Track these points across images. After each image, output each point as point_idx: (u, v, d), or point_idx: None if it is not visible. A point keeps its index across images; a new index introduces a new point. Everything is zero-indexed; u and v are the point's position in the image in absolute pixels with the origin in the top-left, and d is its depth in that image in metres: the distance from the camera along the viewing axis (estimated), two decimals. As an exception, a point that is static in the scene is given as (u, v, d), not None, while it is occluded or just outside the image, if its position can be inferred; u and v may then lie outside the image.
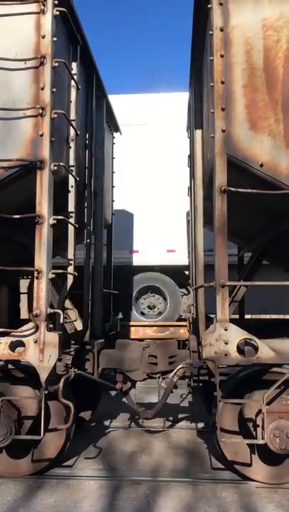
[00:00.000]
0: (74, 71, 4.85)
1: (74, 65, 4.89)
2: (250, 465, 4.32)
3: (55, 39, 4.17)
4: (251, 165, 4.01)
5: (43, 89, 4.11)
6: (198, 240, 5.35)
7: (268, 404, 4.01)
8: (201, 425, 6.13)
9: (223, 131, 4.02)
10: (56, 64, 4.18)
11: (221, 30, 4.09)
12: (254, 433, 4.07)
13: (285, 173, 3.99)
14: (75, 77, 4.81)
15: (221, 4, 4.10)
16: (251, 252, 6.42)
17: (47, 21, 4.15)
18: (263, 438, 3.97)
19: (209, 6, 4.16)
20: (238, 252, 7.64)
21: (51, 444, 4.48)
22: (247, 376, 4.37)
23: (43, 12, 4.16)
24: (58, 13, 4.22)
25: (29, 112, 4.11)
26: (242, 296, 5.36)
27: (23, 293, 7.29)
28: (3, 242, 5.12)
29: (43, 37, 4.14)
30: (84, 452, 5.14)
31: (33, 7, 4.19)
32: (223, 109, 4.04)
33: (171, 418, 6.44)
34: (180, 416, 6.59)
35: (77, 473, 4.59)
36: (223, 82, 4.06)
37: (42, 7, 4.15)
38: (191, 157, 5.91)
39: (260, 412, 4.00)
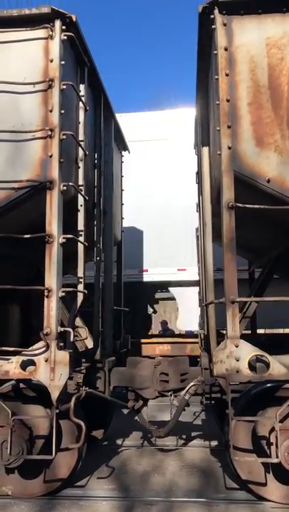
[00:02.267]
0: (82, 93, 4.95)
1: (82, 86, 4.98)
2: (265, 484, 4.25)
3: (63, 62, 4.28)
4: (258, 181, 4.04)
5: (51, 111, 4.20)
6: (208, 256, 5.36)
7: (282, 421, 3.95)
8: (214, 443, 6.05)
9: (230, 148, 4.06)
10: (64, 86, 4.28)
11: (226, 49, 4.17)
12: (268, 451, 4.01)
13: (293, 188, 4.00)
14: (82, 98, 4.91)
15: (224, 24, 4.19)
16: (261, 267, 6.40)
17: (55, 46, 4.27)
18: (277, 456, 3.91)
19: (213, 26, 4.25)
20: (249, 268, 7.62)
21: (63, 464, 4.46)
22: (259, 393, 4.32)
23: (51, 37, 4.28)
24: (65, 37, 4.33)
25: (38, 133, 4.19)
26: (253, 311, 5.33)
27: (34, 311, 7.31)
28: (14, 261, 5.17)
29: (51, 61, 4.25)
30: (96, 472, 5.10)
31: (41, 33, 4.31)
32: (229, 127, 4.09)
33: (184, 436, 6.37)
34: (193, 434, 6.51)
35: (89, 494, 4.55)
36: (228, 100, 4.12)
37: (50, 32, 4.28)
38: (199, 174, 5.95)
39: (273, 429, 3.94)
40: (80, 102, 4.90)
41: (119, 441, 6.24)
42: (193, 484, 4.79)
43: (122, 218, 7.40)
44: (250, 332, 7.05)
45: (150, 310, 13.02)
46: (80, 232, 4.76)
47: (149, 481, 4.90)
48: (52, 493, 4.44)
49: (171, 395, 5.29)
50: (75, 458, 4.48)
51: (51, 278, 4.07)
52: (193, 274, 9.15)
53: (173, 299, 11.70)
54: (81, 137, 4.87)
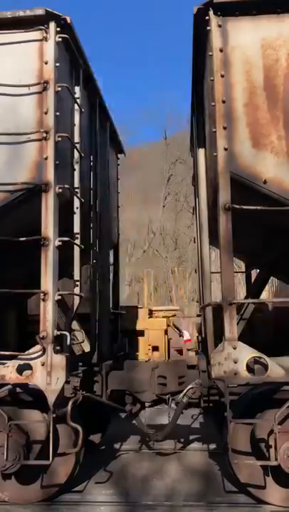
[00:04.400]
0: (77, 95, 4.93)
1: (77, 89, 4.96)
2: (264, 487, 4.21)
3: (57, 64, 4.26)
4: (255, 182, 4.03)
5: (46, 113, 4.18)
6: (205, 258, 5.33)
7: (280, 423, 3.92)
8: (213, 446, 6.01)
9: (226, 149, 4.05)
10: (59, 89, 4.26)
11: (221, 50, 4.16)
12: (267, 454, 3.98)
13: (290, 189, 3.99)
14: (78, 100, 4.89)
15: (219, 26, 4.18)
16: (259, 269, 6.38)
17: (49, 48, 4.26)
18: (276, 459, 3.88)
19: (208, 27, 4.24)
20: (246, 270, 7.60)
21: (61, 469, 4.41)
22: (258, 395, 4.29)
23: (45, 39, 4.27)
24: (60, 39, 4.32)
25: (33, 136, 4.17)
26: (250, 313, 5.31)
27: (31, 315, 7.26)
28: (10, 265, 5.13)
29: (46, 63, 4.24)
30: (94, 476, 5.05)
31: (36, 35, 4.30)
32: (225, 128, 4.08)
33: (182, 440, 6.33)
34: (191, 437, 6.47)
35: (87, 499, 4.50)
36: (224, 102, 4.11)
37: (45, 34, 4.26)
38: (195, 176, 5.94)
39: (272, 432, 3.91)
40: (76, 104, 4.88)
41: (117, 446, 6.20)
42: (192, 488, 4.75)
43: (118, 221, 7.37)
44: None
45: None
46: (76, 235, 4.73)
47: (148, 485, 4.86)
48: (49, 498, 4.39)
49: (168, 399, 5.26)
50: (73, 463, 4.44)
51: (47, 281, 4.04)
52: None
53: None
54: (76, 139, 4.85)
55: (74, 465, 4.45)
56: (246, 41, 4.20)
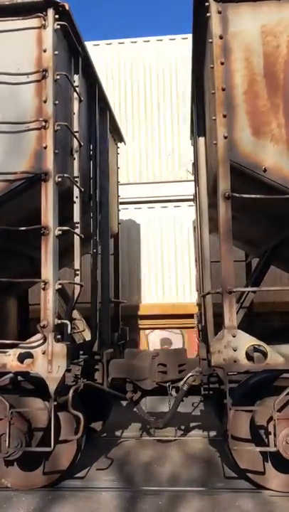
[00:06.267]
0: (76, 83, 4.90)
1: (76, 77, 4.93)
2: (263, 473, 4.27)
3: (56, 52, 4.23)
4: (254, 170, 4.02)
5: (45, 102, 4.16)
6: (205, 246, 5.34)
7: (280, 410, 3.96)
8: (213, 433, 6.08)
9: (226, 137, 4.03)
10: (58, 77, 4.24)
11: (221, 37, 4.12)
12: (266, 440, 4.03)
13: (289, 177, 3.98)
14: (77, 89, 4.86)
15: (219, 12, 4.14)
16: (258, 257, 6.38)
17: (48, 35, 4.22)
18: (275, 445, 3.93)
19: (208, 14, 4.20)
20: (246, 258, 7.61)
21: (62, 456, 4.46)
22: (257, 383, 4.32)
23: (44, 27, 4.23)
24: (58, 27, 4.28)
25: (32, 124, 4.15)
26: (250, 302, 5.33)
27: (31, 304, 7.28)
28: (10, 255, 5.15)
29: (45, 51, 4.20)
30: (96, 463, 5.11)
31: (34, 22, 4.26)
32: (224, 116, 4.06)
33: (182, 427, 6.39)
34: (192, 425, 6.53)
35: (89, 485, 4.56)
36: (224, 89, 4.09)
37: (43, 22, 4.23)
38: (195, 164, 5.92)
39: (271, 419, 3.96)
40: (75, 93, 4.85)
41: (118, 433, 6.26)
42: (193, 474, 4.81)
43: (119, 210, 7.37)
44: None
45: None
46: (76, 224, 4.74)
47: (149, 471, 4.92)
48: (51, 484, 4.45)
49: (169, 386, 5.30)
50: (74, 449, 4.49)
51: (47, 270, 4.06)
52: None
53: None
54: (76, 128, 4.82)
55: (75, 452, 4.50)
56: (246, 28, 4.15)
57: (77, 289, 4.68)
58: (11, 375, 4.39)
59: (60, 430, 4.41)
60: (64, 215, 4.35)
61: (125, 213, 8.65)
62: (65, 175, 4.29)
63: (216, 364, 3.91)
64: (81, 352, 5.11)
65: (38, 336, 3.97)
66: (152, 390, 5.23)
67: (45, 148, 4.12)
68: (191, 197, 7.83)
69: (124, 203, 8.31)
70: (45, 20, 4.22)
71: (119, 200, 7.49)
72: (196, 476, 4.77)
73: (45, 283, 4.04)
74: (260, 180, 4.04)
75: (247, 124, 4.07)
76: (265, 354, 3.87)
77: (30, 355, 3.97)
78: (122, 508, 4.04)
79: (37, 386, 4.27)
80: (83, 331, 5.81)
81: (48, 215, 4.09)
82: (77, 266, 4.74)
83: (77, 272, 4.73)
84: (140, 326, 8.94)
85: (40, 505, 4.11)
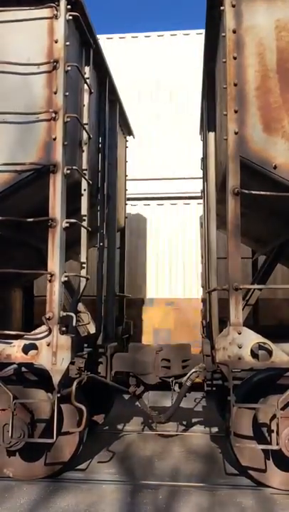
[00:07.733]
0: (87, 75, 4.87)
1: (87, 68, 4.90)
2: (265, 471, 4.26)
3: (67, 43, 4.20)
4: (265, 167, 3.98)
5: (55, 93, 4.14)
6: (212, 242, 5.32)
7: (283, 409, 3.95)
8: (214, 430, 6.08)
9: (236, 133, 4.00)
10: (69, 68, 4.21)
11: (234, 32, 4.08)
12: (268, 438, 4.02)
13: (300, 175, 3.95)
14: (87, 80, 4.83)
15: (233, 6, 4.09)
16: (265, 255, 6.35)
17: (60, 26, 4.19)
18: (277, 443, 3.92)
19: (222, 7, 4.15)
20: (253, 256, 7.58)
21: (64, 448, 4.48)
22: (261, 380, 4.32)
23: (56, 17, 4.20)
24: (70, 17, 4.25)
25: (42, 116, 4.13)
26: (256, 299, 5.31)
27: (37, 296, 7.30)
28: (17, 246, 5.15)
29: (56, 41, 4.17)
30: (97, 456, 5.13)
31: (46, 12, 4.22)
32: (236, 111, 4.02)
33: (184, 422, 6.40)
34: (194, 420, 6.54)
35: (90, 477, 4.58)
36: (236, 84, 4.05)
37: (55, 12, 4.19)
38: (204, 160, 5.89)
39: (274, 417, 3.94)
40: (85, 85, 4.83)
41: (120, 427, 6.28)
42: (194, 469, 4.81)
43: (126, 204, 7.35)
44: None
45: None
46: (84, 217, 4.73)
47: (150, 465, 4.94)
48: (53, 475, 4.47)
49: (172, 381, 5.30)
50: (76, 441, 4.50)
51: (54, 262, 4.05)
52: None
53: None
54: (85, 120, 4.80)
55: (77, 444, 4.52)
56: (260, 23, 4.10)
57: (83, 281, 4.68)
58: (15, 366, 4.40)
59: (63, 422, 4.43)
60: (71, 208, 4.34)
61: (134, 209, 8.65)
62: (74, 167, 4.27)
63: (220, 361, 3.90)
64: (85, 345, 5.12)
65: (43, 327, 3.97)
66: (155, 385, 5.23)
67: (55, 139, 4.10)
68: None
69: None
70: (57, 10, 4.19)
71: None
72: (196, 471, 4.77)
73: (52, 275, 4.03)
74: (269, 177, 4.00)
75: (258, 120, 4.03)
76: (270, 352, 3.85)
77: (34, 347, 3.97)
78: (122, 501, 4.06)
79: (41, 378, 4.29)
80: (88, 323, 5.81)
81: (56, 207, 4.08)
82: (83, 259, 4.74)
83: (84, 265, 4.72)
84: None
85: (41, 495, 4.13)
